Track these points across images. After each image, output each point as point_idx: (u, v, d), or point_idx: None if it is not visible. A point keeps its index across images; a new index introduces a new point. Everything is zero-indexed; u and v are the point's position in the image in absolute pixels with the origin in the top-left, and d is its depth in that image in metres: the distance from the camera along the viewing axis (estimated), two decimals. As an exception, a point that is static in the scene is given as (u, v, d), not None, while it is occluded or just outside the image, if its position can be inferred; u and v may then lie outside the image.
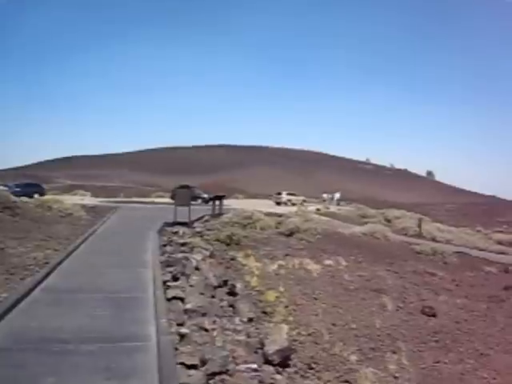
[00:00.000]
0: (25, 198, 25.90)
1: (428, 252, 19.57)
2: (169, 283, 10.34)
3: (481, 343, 9.93)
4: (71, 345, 6.41)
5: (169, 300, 9.04)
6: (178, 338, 7.13)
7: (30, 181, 47.80)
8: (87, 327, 7.17)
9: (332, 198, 60.48)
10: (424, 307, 11.67)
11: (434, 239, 26.04)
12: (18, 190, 35.54)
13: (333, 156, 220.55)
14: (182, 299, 9.15)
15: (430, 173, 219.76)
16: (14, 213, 18.70)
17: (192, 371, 6.05)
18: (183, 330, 7.40)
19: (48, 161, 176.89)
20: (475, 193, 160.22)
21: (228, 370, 6.38)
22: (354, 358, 8.80)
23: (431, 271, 16.05)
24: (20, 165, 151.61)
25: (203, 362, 6.34)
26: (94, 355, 6.13)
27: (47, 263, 11.46)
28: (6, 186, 36.63)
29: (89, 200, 40.03)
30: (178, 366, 6.08)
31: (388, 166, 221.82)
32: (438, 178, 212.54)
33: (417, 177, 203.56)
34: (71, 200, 32.12)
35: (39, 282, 9.71)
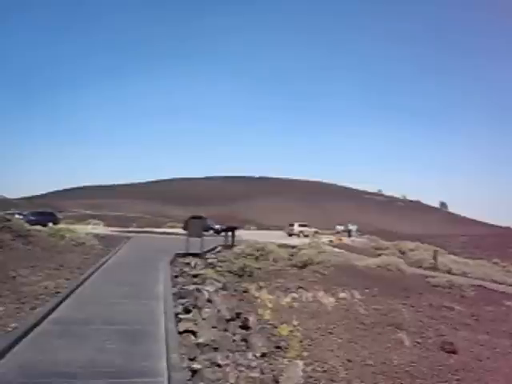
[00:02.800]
0: (39, 227, 25.98)
1: (444, 285, 19.14)
2: (180, 315, 10.11)
3: (506, 382, 9.51)
4: (79, 380, 6.18)
5: (180, 333, 8.80)
6: (189, 373, 6.88)
7: (45, 210, 48.10)
8: (96, 361, 6.94)
9: (349, 230, 60.07)
10: (443, 343, 11.28)
11: (449, 272, 25.54)
12: (32, 218, 35.81)
13: (345, 187, 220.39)
14: (194, 332, 8.91)
15: (443, 204, 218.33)
16: (27, 241, 18.68)
17: (204, 410, 5.79)
18: (195, 366, 7.15)
19: (62, 190, 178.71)
20: (490, 224, 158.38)
21: (241, 409, 6.11)
22: (371, 396, 8.45)
23: (449, 305, 15.63)
24: (34, 194, 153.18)
25: (216, 401, 6.09)
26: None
27: (58, 293, 11.30)
28: (20, 214, 36.90)
29: (101, 229, 40.09)
30: (190, 404, 5.83)
31: (400, 197, 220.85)
32: (451, 209, 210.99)
33: (430, 208, 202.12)
34: (84, 229, 32.18)
35: (49, 313, 9.52)
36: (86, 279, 13.84)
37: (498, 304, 17.07)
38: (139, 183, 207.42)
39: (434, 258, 28.68)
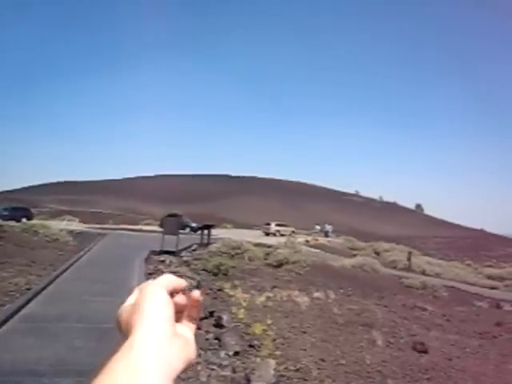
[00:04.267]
0: (12, 222, 25.47)
1: (418, 286, 19.38)
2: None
3: (474, 382, 9.63)
4: (47, 379, 6.06)
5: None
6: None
7: (18, 205, 47.14)
8: (65, 359, 6.82)
9: (326, 231, 60.24)
10: (415, 343, 11.38)
11: (423, 273, 25.90)
12: (5, 213, 35.12)
13: (322, 188, 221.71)
14: (166, 331, 8.82)
15: (418, 206, 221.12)
16: (-2, 237, 18.31)
17: (174, 409, 5.71)
18: (166, 364, 7.07)
19: (36, 186, 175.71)
20: (464, 226, 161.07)
21: (212, 408, 6.06)
22: (343, 395, 8.48)
23: (421, 305, 15.81)
24: (8, 189, 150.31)
25: (186, 399, 6.03)
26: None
27: (29, 289, 11.09)
28: (-7, 209, 36.19)
29: (76, 226, 39.47)
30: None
31: (377, 198, 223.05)
32: (426, 211, 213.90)
33: (406, 210, 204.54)
34: (59, 225, 31.64)
35: (18, 310, 9.33)
36: (58, 276, 13.63)
37: (469, 304, 17.36)
38: (116, 180, 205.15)
39: (409, 259, 29.03)
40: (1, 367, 6.38)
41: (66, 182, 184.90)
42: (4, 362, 6.55)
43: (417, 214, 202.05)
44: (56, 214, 61.64)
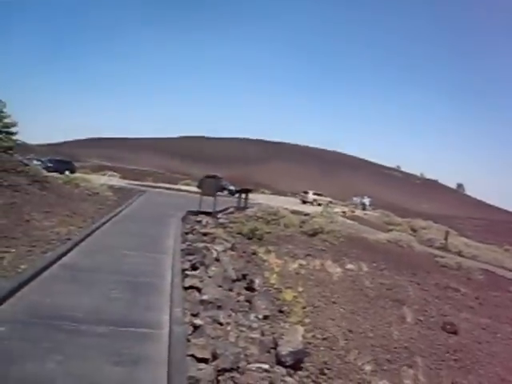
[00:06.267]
0: (56, 174, 26.24)
1: (453, 266, 19.07)
2: (187, 272, 10.23)
3: (503, 368, 9.55)
4: (83, 325, 6.33)
5: (186, 289, 8.92)
6: (191, 328, 7.00)
7: (62, 158, 48.40)
8: (100, 309, 7.09)
9: (363, 203, 59.49)
10: (445, 323, 11.31)
11: (459, 254, 25.43)
12: (50, 165, 36.14)
13: (362, 160, 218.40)
14: (199, 289, 9.03)
15: (460, 185, 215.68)
16: (43, 187, 18.88)
17: (202, 365, 5.89)
18: (197, 322, 7.26)
19: (80, 140, 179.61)
20: (505, 210, 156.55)
21: (239, 368, 6.22)
22: (368, 368, 8.56)
23: (455, 286, 15.61)
24: (54, 141, 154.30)
25: (214, 357, 6.19)
26: (105, 338, 6.04)
27: (69, 239, 11.48)
28: (39, 160, 37.25)
29: (117, 181, 40.35)
30: (188, 358, 5.93)
31: (418, 175, 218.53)
32: (468, 191, 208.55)
33: (446, 188, 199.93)
34: (100, 180, 32.41)
35: (58, 258, 9.70)
36: (97, 228, 14.03)
37: (504, 290, 17.02)
38: (158, 138, 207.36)
39: (445, 238, 28.53)
40: (41, 310, 6.68)
41: (109, 139, 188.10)
42: (44, 306, 6.86)
43: (457, 193, 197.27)
44: (98, 169, 63.05)
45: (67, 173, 34.67)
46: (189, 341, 6.50)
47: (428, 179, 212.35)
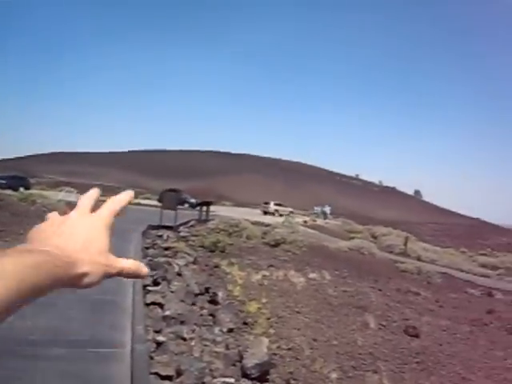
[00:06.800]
0: (9, 191, 25.44)
1: (413, 271, 19.48)
2: (149, 287, 10.07)
3: (463, 367, 9.76)
4: (40, 348, 6.12)
5: (147, 305, 8.77)
6: (154, 345, 6.87)
7: (17, 173, 46.93)
8: (59, 330, 6.87)
9: (324, 212, 60.08)
10: (407, 327, 11.49)
11: (419, 258, 26.01)
12: (3, 182, 35.01)
13: (322, 169, 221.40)
14: (161, 305, 8.89)
15: (417, 192, 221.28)
16: (-5, 205, 18.30)
17: (166, 382, 5.79)
18: (160, 338, 7.14)
19: (36, 155, 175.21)
20: (461, 214, 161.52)
21: (204, 383, 6.13)
22: (334, 375, 8.58)
23: (415, 290, 15.93)
24: (6, 157, 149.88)
25: (179, 374, 6.09)
26: (64, 361, 5.85)
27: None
28: (-9, 177, 36.11)
29: (74, 197, 39.43)
30: (152, 376, 5.81)
31: (377, 182, 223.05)
32: (425, 197, 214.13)
33: (404, 195, 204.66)
34: (57, 196, 31.62)
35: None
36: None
37: (461, 291, 17.49)
38: (116, 152, 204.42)
39: (405, 244, 29.14)
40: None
41: (65, 153, 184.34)
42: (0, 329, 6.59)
43: (415, 199, 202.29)
44: (54, 185, 61.60)
45: (22, 189, 33.65)
46: (152, 358, 6.38)
47: (386, 186, 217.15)
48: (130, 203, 0.81)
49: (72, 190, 50.89)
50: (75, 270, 0.68)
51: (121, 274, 0.78)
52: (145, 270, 0.81)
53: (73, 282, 0.68)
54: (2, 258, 0.57)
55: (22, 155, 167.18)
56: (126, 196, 0.77)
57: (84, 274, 0.69)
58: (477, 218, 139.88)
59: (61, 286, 0.66)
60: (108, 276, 0.76)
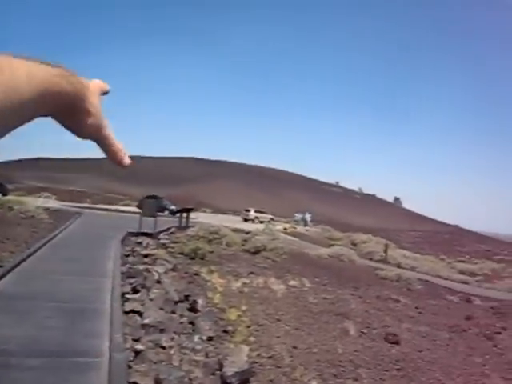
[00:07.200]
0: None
1: (393, 278, 19.60)
2: (128, 295, 9.92)
3: (442, 373, 9.81)
4: (15, 358, 5.95)
5: (126, 313, 8.63)
6: (132, 354, 6.75)
7: (-7, 180, 46.06)
8: (36, 339, 6.70)
9: (304, 219, 60.12)
10: (387, 334, 11.52)
11: (398, 265, 26.18)
12: (-21, 188, 34.36)
13: (302, 176, 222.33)
14: (140, 313, 8.76)
15: (397, 199, 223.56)
16: (-29, 212, 17.94)
17: (144, 392, 5.68)
18: (139, 347, 7.02)
19: (13, 161, 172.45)
20: (440, 221, 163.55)
21: (183, 393, 6.04)
22: (314, 383, 8.54)
23: (395, 297, 16.01)
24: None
25: (157, 383, 5.98)
26: (40, 371, 5.69)
27: (1, 266, 10.88)
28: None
29: (53, 203, 38.87)
30: (130, 385, 5.70)
31: (357, 190, 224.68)
32: (404, 204, 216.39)
33: (384, 202, 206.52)
34: (35, 202, 31.10)
35: (-11, 287, 9.16)
36: (32, 254, 13.39)
37: (441, 298, 17.64)
38: (95, 158, 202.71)
39: (385, 251, 29.34)
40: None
41: (43, 159, 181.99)
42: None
43: (395, 207, 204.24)
44: (32, 191, 60.64)
45: (-1, 195, 33.06)
46: (130, 367, 6.26)
47: (366, 194, 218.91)
48: (106, 93, 0.74)
49: (50, 195, 50.23)
50: (86, 97, 0.66)
51: (106, 143, 0.72)
52: (127, 159, 0.77)
53: (77, 111, 0.65)
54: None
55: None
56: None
57: (88, 112, 0.66)
58: (455, 225, 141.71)
59: (64, 112, 0.64)
60: (97, 135, 0.70)
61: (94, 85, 0.70)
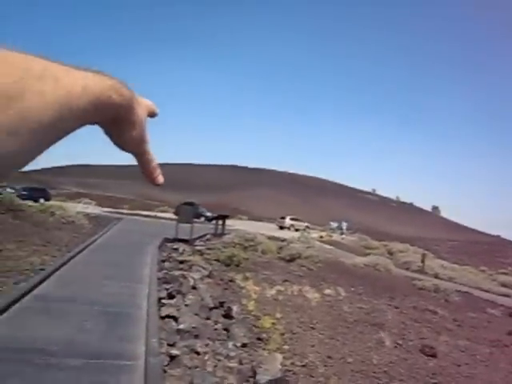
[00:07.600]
0: (30, 202, 25.80)
1: (430, 289, 19.21)
2: (164, 301, 10.07)
3: (481, 389, 9.55)
4: (55, 358, 6.14)
5: (162, 318, 8.77)
6: (167, 359, 6.85)
7: (37, 185, 47.57)
8: (74, 340, 6.90)
9: (340, 228, 59.56)
10: (424, 346, 11.29)
11: (436, 276, 25.65)
12: (24, 193, 35.48)
13: (338, 184, 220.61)
14: (175, 318, 8.88)
15: (435, 208, 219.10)
16: (16, 216, 18.54)
17: (179, 397, 5.76)
18: (174, 352, 7.12)
19: (55, 167, 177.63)
20: (480, 231, 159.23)
21: (216, 398, 6.09)
22: (348, 394, 8.46)
23: (433, 309, 15.68)
24: (27, 169, 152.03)
25: (191, 388, 6.06)
26: (78, 371, 5.86)
27: (43, 269, 11.23)
28: (12, 188, 36.56)
29: (92, 209, 39.83)
30: (165, 390, 5.80)
31: (394, 198, 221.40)
32: (443, 213, 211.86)
33: (422, 211, 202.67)
34: (75, 207, 31.95)
35: (31, 289, 9.45)
36: (72, 258, 13.76)
37: (481, 311, 17.16)
38: (134, 165, 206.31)
39: (422, 261, 28.79)
40: (11, 343, 6.47)
41: (84, 165, 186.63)
42: (17, 338, 6.64)
43: (433, 216, 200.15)
44: (73, 197, 62.35)
45: (42, 201, 34.09)
46: (165, 372, 6.36)
47: (403, 202, 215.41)
48: (153, 115, 0.78)
49: (90, 201, 51.46)
50: (134, 110, 0.68)
51: (144, 158, 0.76)
52: (161, 178, 0.80)
53: (123, 122, 0.68)
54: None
55: (40, 167, 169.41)
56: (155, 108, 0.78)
57: (134, 124, 0.69)
58: (497, 236, 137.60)
59: (111, 122, 0.66)
60: (138, 149, 0.74)
61: (144, 102, 0.74)
